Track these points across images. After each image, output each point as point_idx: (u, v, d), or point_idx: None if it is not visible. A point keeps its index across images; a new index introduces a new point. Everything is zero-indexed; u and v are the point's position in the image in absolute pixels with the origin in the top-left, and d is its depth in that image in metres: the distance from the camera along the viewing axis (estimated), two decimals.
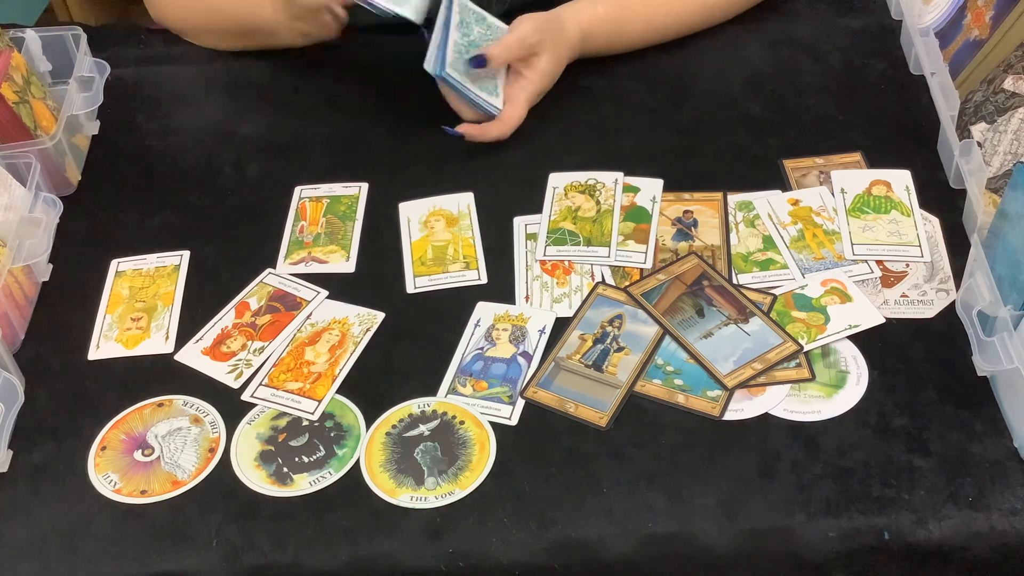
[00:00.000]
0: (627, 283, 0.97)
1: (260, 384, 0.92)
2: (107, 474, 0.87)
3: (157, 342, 0.96)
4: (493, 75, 1.10)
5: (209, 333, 0.97)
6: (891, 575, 0.81)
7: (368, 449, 0.87)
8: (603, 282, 0.98)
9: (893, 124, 1.11)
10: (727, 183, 1.06)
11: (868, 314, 0.93)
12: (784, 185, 1.06)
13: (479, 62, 1.06)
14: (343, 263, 1.02)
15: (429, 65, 1.07)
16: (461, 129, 1.09)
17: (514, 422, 0.88)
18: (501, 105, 1.10)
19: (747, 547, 0.80)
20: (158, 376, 0.94)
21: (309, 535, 0.82)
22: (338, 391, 0.91)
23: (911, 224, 1.00)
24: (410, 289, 0.99)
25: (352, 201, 1.08)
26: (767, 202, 1.04)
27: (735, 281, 0.97)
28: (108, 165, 1.15)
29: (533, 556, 0.80)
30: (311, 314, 0.97)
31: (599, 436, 0.87)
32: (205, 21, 1.23)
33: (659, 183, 1.06)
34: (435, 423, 0.88)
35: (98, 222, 1.09)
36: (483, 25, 1.10)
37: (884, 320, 0.93)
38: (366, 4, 1.06)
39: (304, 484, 0.85)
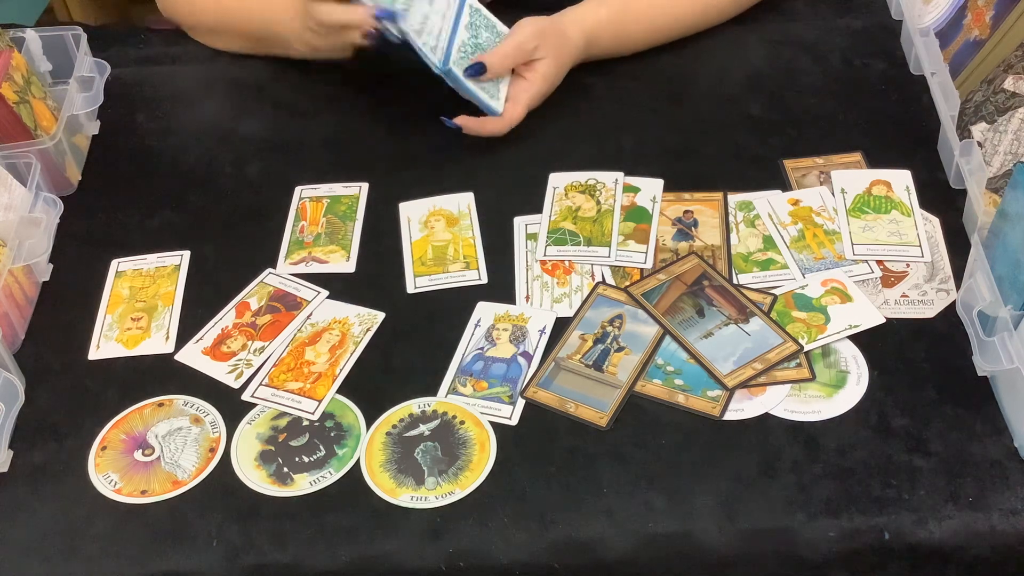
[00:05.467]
0: (627, 283, 0.97)
1: (260, 384, 0.92)
2: (107, 474, 0.87)
3: (157, 342, 0.96)
4: (496, 80, 1.09)
5: (209, 333, 0.97)
6: (891, 575, 0.81)
7: (368, 449, 0.87)
8: (603, 282, 0.98)
9: (893, 124, 1.11)
10: (727, 183, 1.06)
11: (868, 314, 0.93)
12: (784, 185, 1.06)
13: (477, 70, 1.06)
14: (343, 263, 1.02)
15: (436, 61, 1.06)
16: (459, 121, 1.08)
17: (514, 422, 0.88)
18: (501, 108, 1.09)
19: (747, 547, 0.80)
20: (158, 376, 0.94)
21: (309, 535, 0.82)
22: (338, 391, 0.91)
23: (911, 224, 1.00)
24: (410, 289, 0.99)
25: (352, 201, 1.08)
26: (767, 202, 1.04)
27: (735, 281, 0.97)
28: (108, 165, 1.15)
29: (533, 556, 0.80)
30: (311, 314, 0.97)
31: (599, 436, 0.87)
32: (215, 21, 1.23)
33: (659, 183, 1.06)
34: (435, 423, 0.88)
35: (98, 222, 1.09)
36: (492, 32, 1.10)
37: (884, 320, 0.93)
38: (396, 37, 1.05)
39: (304, 484, 0.85)
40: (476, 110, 1.10)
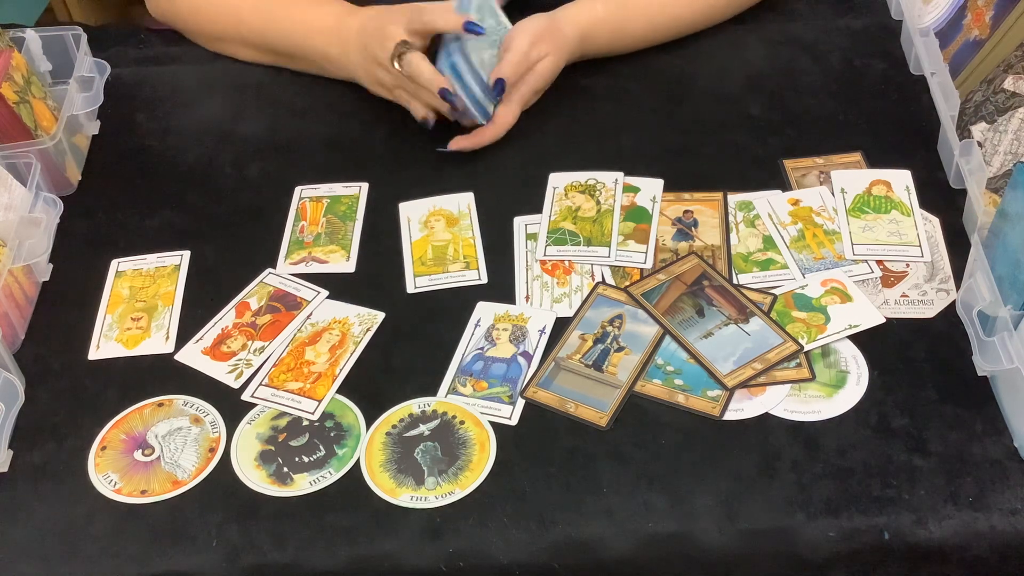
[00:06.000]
0: (627, 283, 0.97)
1: (260, 384, 0.92)
2: (107, 474, 0.87)
3: (157, 342, 0.96)
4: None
5: (209, 333, 0.97)
6: (891, 575, 0.81)
7: (368, 449, 0.87)
8: (603, 282, 0.98)
9: (893, 124, 1.11)
10: (727, 183, 1.05)
11: (868, 314, 0.93)
12: (784, 185, 1.06)
13: (500, 88, 1.07)
14: (343, 263, 1.02)
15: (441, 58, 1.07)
16: (454, 145, 1.09)
17: (514, 422, 0.88)
18: (491, 111, 1.09)
19: (747, 547, 0.80)
20: (158, 376, 0.94)
21: (309, 535, 0.82)
22: (338, 391, 0.91)
23: (911, 224, 1.00)
24: (410, 289, 0.99)
25: (352, 201, 1.08)
26: (767, 202, 1.04)
27: (735, 281, 0.97)
28: (108, 165, 1.15)
29: (533, 556, 0.80)
30: (311, 314, 0.97)
31: (599, 436, 0.87)
32: (229, 32, 1.21)
33: (659, 183, 1.06)
34: (435, 423, 0.88)
35: (98, 222, 1.09)
36: (495, 19, 1.10)
37: (884, 320, 0.93)
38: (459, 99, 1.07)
39: (304, 484, 0.85)
40: (465, 129, 1.10)
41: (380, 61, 1.09)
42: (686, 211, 1.03)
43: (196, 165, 1.14)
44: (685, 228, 1.02)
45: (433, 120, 1.10)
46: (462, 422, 0.88)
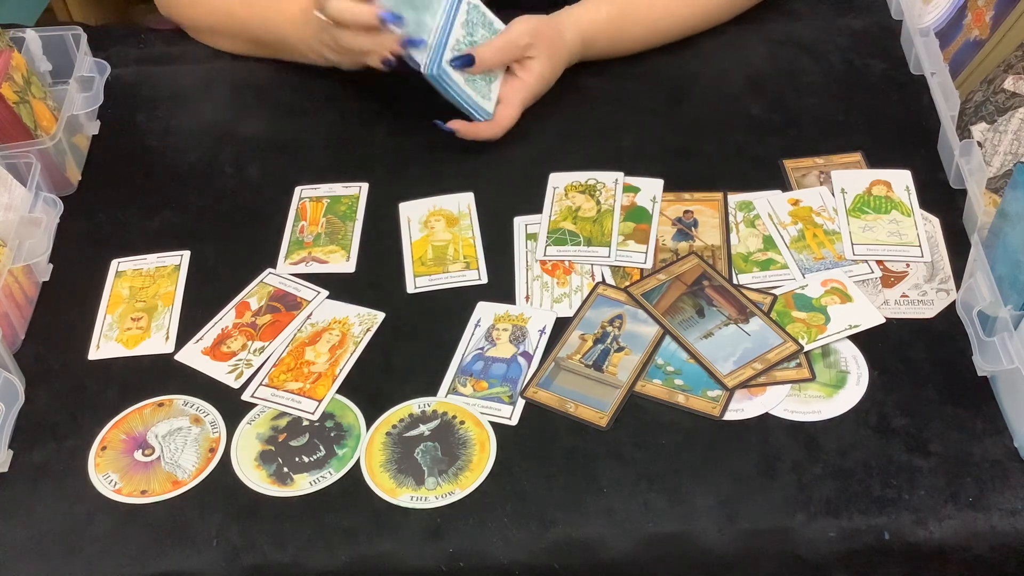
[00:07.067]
0: (627, 283, 0.98)
1: (260, 384, 0.92)
2: (107, 474, 0.87)
3: (157, 342, 0.96)
4: (489, 80, 1.09)
5: (209, 333, 0.97)
6: (891, 575, 0.81)
7: (368, 449, 0.87)
8: (603, 282, 0.98)
9: (893, 124, 1.11)
10: (727, 183, 1.06)
11: (868, 314, 0.93)
12: (784, 185, 1.06)
13: (466, 61, 1.06)
14: (343, 263, 1.02)
15: (427, 66, 1.05)
16: (452, 125, 1.08)
17: (514, 422, 0.88)
18: (492, 110, 1.09)
19: (747, 547, 0.80)
20: (158, 376, 0.94)
21: (309, 535, 0.82)
22: (338, 391, 0.91)
23: (911, 224, 1.00)
24: (410, 289, 0.99)
25: (352, 201, 1.08)
26: (767, 202, 1.04)
27: (735, 281, 0.97)
28: (108, 165, 1.15)
29: (533, 556, 0.80)
30: (311, 314, 0.97)
31: (599, 436, 0.87)
32: (218, 23, 1.23)
33: (659, 183, 1.06)
34: (435, 423, 0.88)
35: (98, 222, 1.09)
36: (489, 29, 1.09)
37: (884, 320, 0.93)
38: (416, 62, 1.05)
39: (304, 484, 0.85)
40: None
41: (318, 28, 1.10)
42: (686, 211, 1.03)
43: (196, 165, 1.14)
44: (685, 228, 1.02)
45: (393, 59, 1.07)
46: (462, 422, 0.88)
